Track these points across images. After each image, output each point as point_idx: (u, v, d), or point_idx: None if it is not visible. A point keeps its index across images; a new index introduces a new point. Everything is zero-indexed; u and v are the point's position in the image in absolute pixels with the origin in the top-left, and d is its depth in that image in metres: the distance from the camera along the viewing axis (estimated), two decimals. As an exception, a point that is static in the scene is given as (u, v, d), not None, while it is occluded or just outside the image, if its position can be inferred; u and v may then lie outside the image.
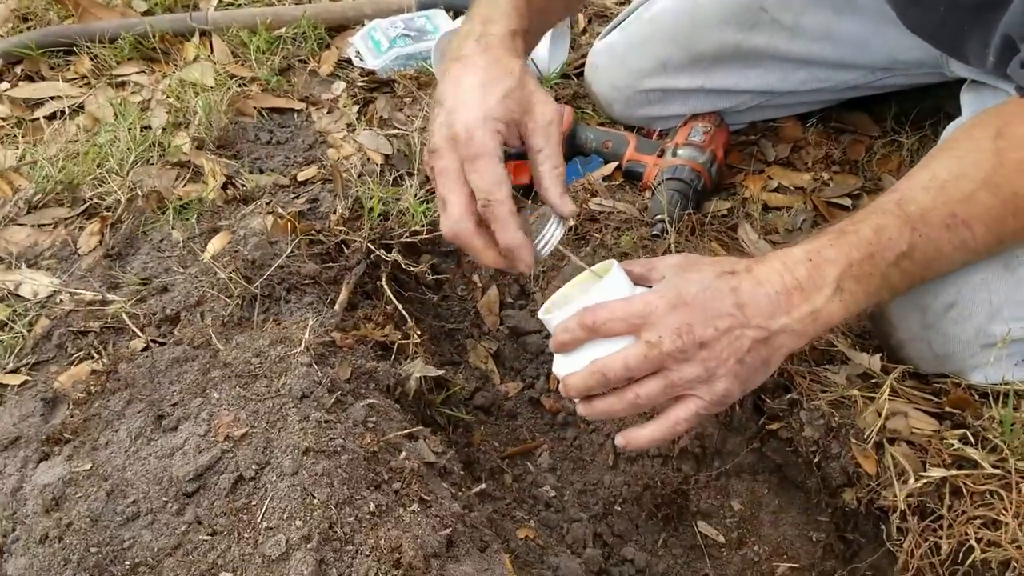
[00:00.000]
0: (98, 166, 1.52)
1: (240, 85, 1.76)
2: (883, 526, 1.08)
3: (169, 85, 1.73)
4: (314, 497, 0.89)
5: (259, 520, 0.89)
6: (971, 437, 1.06)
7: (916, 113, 1.60)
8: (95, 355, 1.17)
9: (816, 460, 1.12)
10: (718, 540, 1.23)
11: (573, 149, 1.58)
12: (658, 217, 1.40)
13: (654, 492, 1.24)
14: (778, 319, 0.87)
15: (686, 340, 0.86)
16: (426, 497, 0.95)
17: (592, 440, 1.33)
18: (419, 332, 1.24)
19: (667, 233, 1.37)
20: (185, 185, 1.51)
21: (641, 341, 0.86)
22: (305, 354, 1.05)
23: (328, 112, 1.72)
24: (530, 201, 1.50)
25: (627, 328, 0.87)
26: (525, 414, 1.38)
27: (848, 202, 1.50)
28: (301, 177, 1.51)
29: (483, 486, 1.13)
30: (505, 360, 1.43)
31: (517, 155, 1.49)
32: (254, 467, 0.93)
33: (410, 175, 1.51)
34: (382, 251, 1.32)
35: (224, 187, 1.49)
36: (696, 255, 0.88)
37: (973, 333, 1.06)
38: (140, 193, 1.44)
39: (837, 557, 1.17)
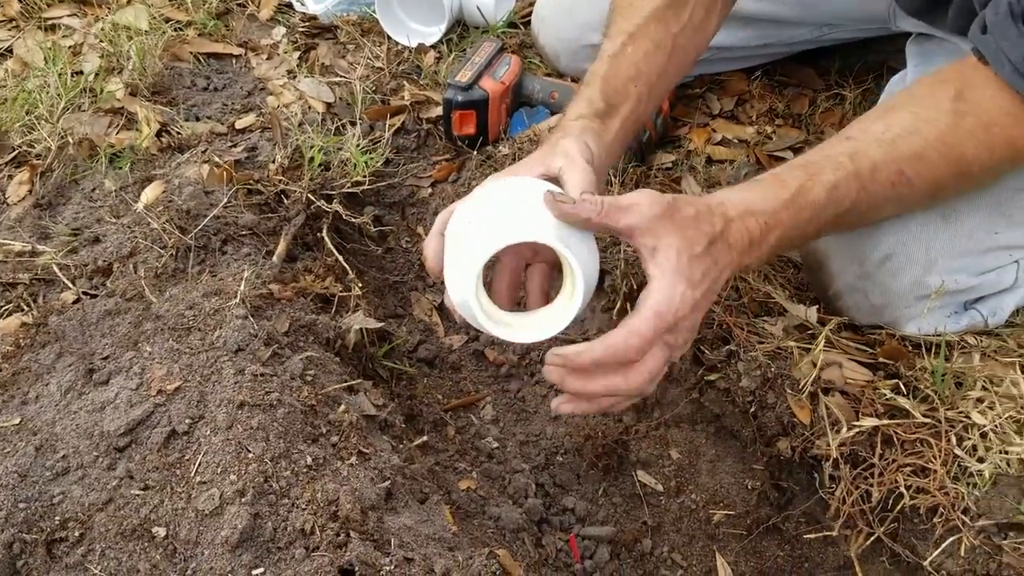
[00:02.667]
0: (27, 112, 1.47)
1: (176, 29, 1.70)
2: (816, 474, 1.11)
3: (102, 29, 1.66)
4: (249, 451, 0.88)
5: (192, 475, 0.88)
6: (903, 387, 1.09)
7: (859, 67, 1.61)
8: (24, 308, 1.14)
9: (752, 410, 1.14)
10: (657, 489, 1.25)
11: (519, 100, 1.56)
12: (603, 169, 1.40)
13: (595, 443, 1.25)
14: (728, 270, 0.88)
15: (694, 332, 0.87)
16: (365, 450, 0.95)
17: (535, 392, 1.34)
18: (361, 284, 1.22)
19: (612, 185, 1.37)
20: (118, 133, 1.46)
21: (660, 344, 0.84)
22: (241, 306, 1.03)
23: (268, 58, 1.67)
24: (475, 152, 1.49)
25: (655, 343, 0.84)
26: (469, 366, 1.38)
27: (790, 155, 1.51)
28: (239, 125, 1.47)
29: (425, 438, 1.13)
30: (449, 312, 1.42)
31: (464, 104, 1.47)
32: (187, 421, 0.91)
33: (353, 124, 1.48)
34: (323, 202, 1.30)
35: (159, 135, 1.45)
36: (670, 199, 0.86)
37: (909, 284, 1.08)
38: (71, 141, 1.39)
39: (772, 504, 1.19)
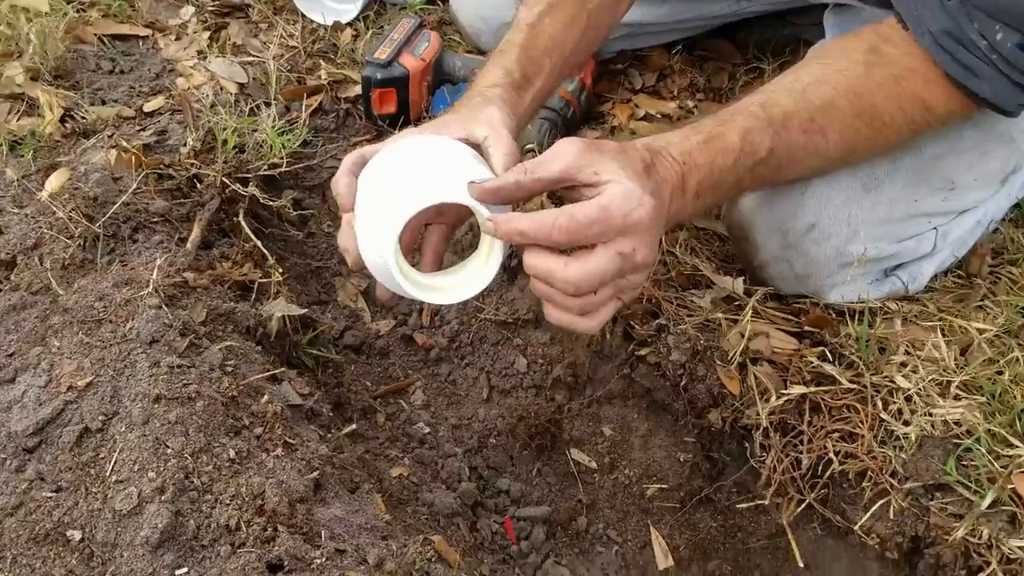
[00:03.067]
0: (-84, 99, 1.38)
1: (78, 10, 1.62)
2: (747, 444, 1.12)
3: (-3, 10, 1.57)
4: (167, 447, 0.84)
5: (108, 474, 0.83)
6: (829, 354, 1.10)
7: (776, 41, 1.62)
8: (-80, 305, 1.07)
9: (683, 383, 1.14)
10: (590, 466, 1.24)
11: (440, 77, 1.53)
12: (528, 146, 1.38)
13: (528, 423, 1.24)
14: (665, 209, 0.86)
15: (653, 255, 0.84)
16: (291, 441, 0.91)
17: (466, 375, 1.32)
18: (281, 270, 1.18)
19: (536, 162, 1.35)
20: (19, 119, 1.39)
21: (612, 251, 0.80)
22: (154, 296, 0.98)
23: (176, 39, 1.61)
24: (397, 131, 1.45)
25: (606, 236, 0.80)
26: (398, 351, 1.35)
27: (713, 129, 1.51)
28: (147, 108, 1.41)
29: (354, 426, 1.11)
30: (375, 297, 1.39)
31: (384, 82, 1.44)
32: (101, 418, 0.87)
33: (267, 105, 1.43)
34: (238, 186, 1.25)
35: (62, 120, 1.37)
36: (591, 139, 0.83)
37: (832, 253, 1.09)
38: (-34, 128, 1.31)
39: (704, 476, 1.20)
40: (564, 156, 0.81)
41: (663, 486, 1.21)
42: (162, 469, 0.83)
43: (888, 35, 0.95)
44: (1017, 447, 0.99)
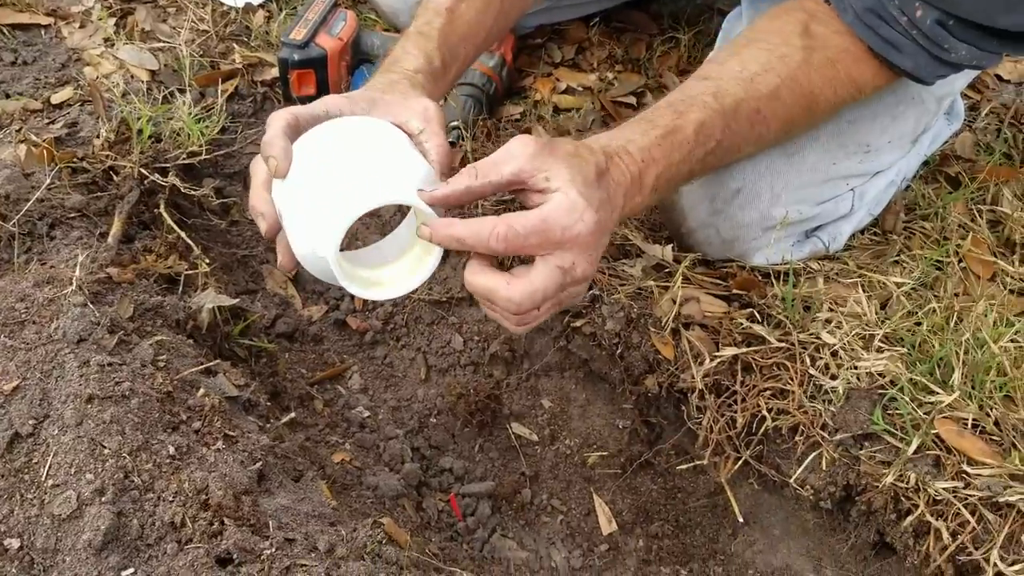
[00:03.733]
0: None
1: (-29, -1, 1.55)
2: (683, 407, 1.14)
3: None
4: (104, 447, 0.82)
5: (43, 478, 0.81)
6: (758, 315, 1.13)
7: (690, 10, 1.64)
8: None
9: (619, 351, 1.16)
10: (532, 439, 1.26)
11: (359, 57, 1.51)
12: (452, 124, 1.37)
13: (468, 400, 1.24)
14: (618, 212, 0.87)
15: (593, 269, 0.84)
16: (231, 433, 0.90)
17: (403, 356, 1.32)
18: (207, 261, 1.16)
19: (463, 139, 1.35)
20: (-85, 117, 1.32)
21: (552, 265, 0.80)
22: (78, 294, 0.95)
23: (80, 26, 1.54)
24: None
25: (544, 248, 0.80)
26: (332, 337, 1.34)
27: (633, 100, 1.53)
28: (55, 100, 1.36)
29: (292, 415, 1.09)
30: (306, 283, 1.38)
31: (302, 63, 1.41)
32: (31, 422, 0.84)
33: (182, 91, 1.39)
34: (157, 176, 1.22)
35: (-37, 116, 1.31)
36: (545, 139, 0.82)
37: (757, 217, 1.12)
38: None
39: (643, 441, 1.22)
40: (516, 159, 0.80)
41: (603, 453, 1.23)
42: (100, 470, 0.81)
43: (814, 12, 0.97)
44: (938, 393, 1.03)
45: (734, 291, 1.16)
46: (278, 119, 0.86)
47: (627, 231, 1.23)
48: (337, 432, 1.21)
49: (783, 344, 1.10)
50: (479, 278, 0.81)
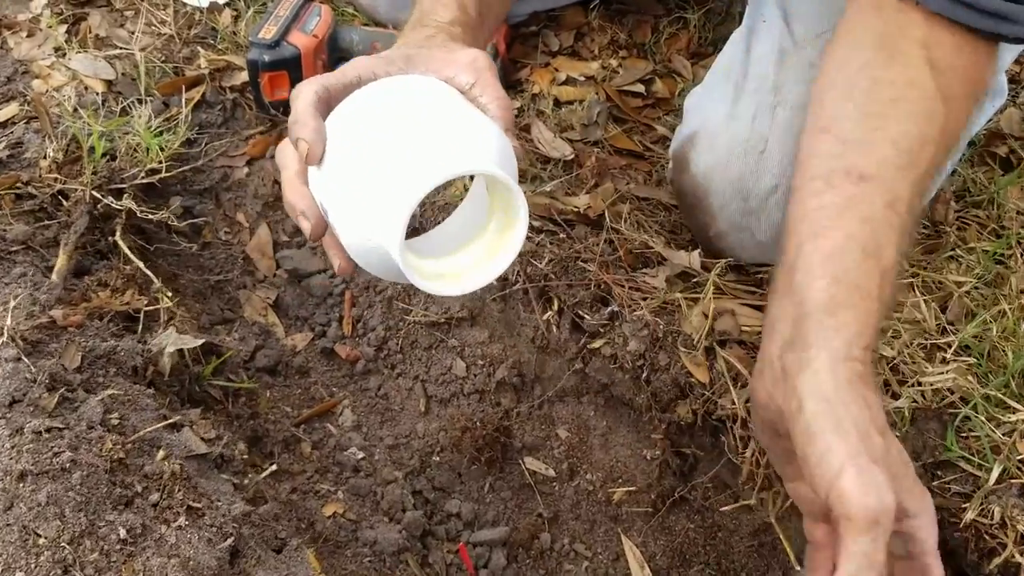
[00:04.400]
0: None
1: (-93, 11, 1.41)
2: (722, 436, 1.00)
3: None
4: (39, 535, 0.68)
5: (-36, 579, 0.67)
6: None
7: (698, -14, 1.50)
8: None
9: (644, 375, 1.02)
10: (548, 474, 1.12)
11: (336, 55, 1.37)
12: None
13: (474, 434, 1.11)
14: None
15: None
16: (196, 504, 0.76)
17: (399, 386, 1.18)
18: (170, 293, 1.02)
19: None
20: None
21: None
22: (10, 346, 0.81)
23: (28, 35, 1.40)
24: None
25: None
26: (319, 368, 1.20)
27: (641, 88, 1.39)
28: (-2, 118, 1.22)
29: (274, 466, 0.95)
30: (288, 309, 1.24)
31: (273, 64, 1.28)
32: (-50, 508, 0.70)
33: (140, 103, 1.25)
34: (111, 199, 1.07)
35: None
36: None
37: (796, 216, 0.98)
38: None
39: (675, 474, 1.09)
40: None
41: (631, 489, 1.09)
42: (33, 566, 0.67)
43: (927, 35, 0.77)
44: (1018, 410, 0.89)
45: (774, 301, 1.01)
46: (305, 93, 0.72)
47: (646, 236, 1.09)
48: (328, 479, 1.07)
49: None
50: None
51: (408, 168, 0.63)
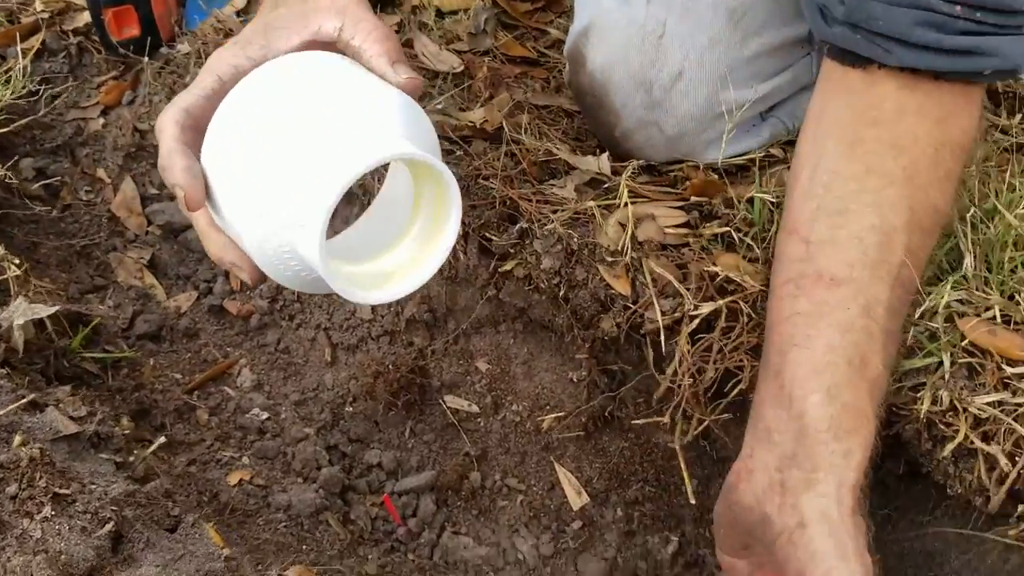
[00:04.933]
0: None
1: None
2: (645, 349, 0.94)
3: None
4: None
5: None
6: (733, 234, 0.91)
7: None
8: None
9: (562, 292, 0.95)
10: (471, 411, 1.05)
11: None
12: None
13: (387, 378, 1.03)
14: None
15: None
16: (63, 491, 0.66)
17: (300, 337, 1.09)
18: (18, 262, 0.90)
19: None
20: None
21: None
22: None
23: None
24: (147, 58, 1.16)
25: None
26: (208, 328, 1.10)
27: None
28: None
29: (163, 439, 0.86)
30: (166, 268, 1.13)
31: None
32: None
33: (-33, 54, 1.11)
34: (-61, 162, 0.94)
35: None
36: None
37: (704, 104, 0.92)
38: None
39: (604, 393, 1.02)
40: None
41: (559, 414, 1.03)
42: None
43: (885, 109, 0.75)
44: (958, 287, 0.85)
45: (692, 198, 0.95)
46: (165, 127, 0.64)
47: (549, 145, 1.01)
48: (230, 445, 0.98)
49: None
50: None
51: (312, 172, 0.57)
